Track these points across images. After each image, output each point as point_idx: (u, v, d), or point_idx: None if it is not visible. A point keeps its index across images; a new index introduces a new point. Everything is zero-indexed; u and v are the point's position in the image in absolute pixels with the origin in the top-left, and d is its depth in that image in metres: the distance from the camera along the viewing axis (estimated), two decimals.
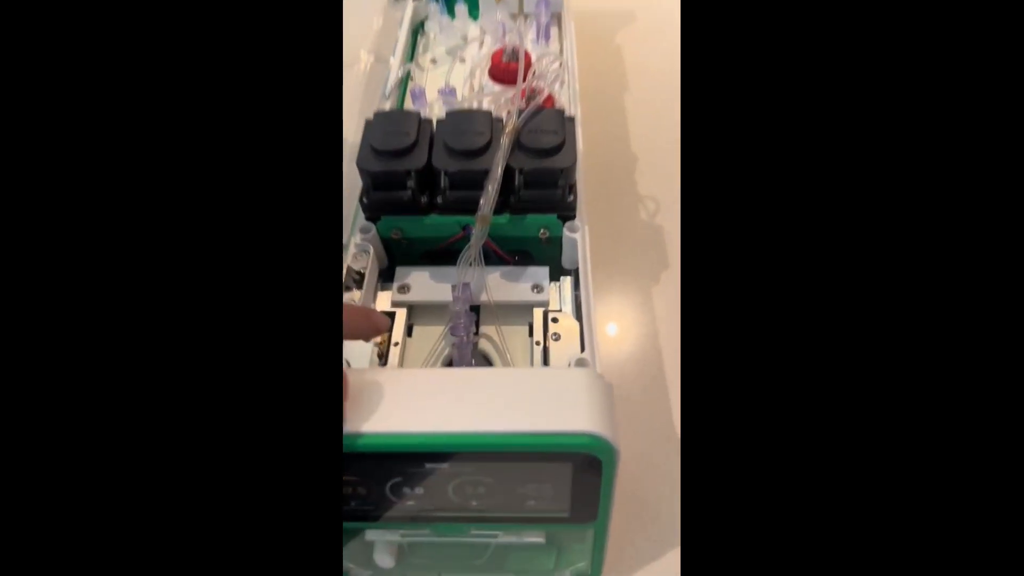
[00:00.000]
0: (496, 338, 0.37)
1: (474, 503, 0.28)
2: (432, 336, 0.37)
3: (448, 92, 0.44)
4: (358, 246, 0.37)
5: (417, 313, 0.38)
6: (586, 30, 0.58)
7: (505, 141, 0.35)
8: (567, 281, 0.38)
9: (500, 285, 0.38)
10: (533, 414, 0.25)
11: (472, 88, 0.46)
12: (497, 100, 0.43)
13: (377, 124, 0.37)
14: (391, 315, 0.37)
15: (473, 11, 0.53)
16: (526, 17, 0.52)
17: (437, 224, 0.37)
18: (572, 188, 0.37)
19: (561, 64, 0.46)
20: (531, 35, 0.50)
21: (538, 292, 0.37)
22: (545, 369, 0.33)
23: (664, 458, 0.40)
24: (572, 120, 0.37)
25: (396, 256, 0.39)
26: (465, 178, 0.35)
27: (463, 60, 0.52)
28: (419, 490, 0.28)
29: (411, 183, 0.36)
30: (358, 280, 0.36)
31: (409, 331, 0.38)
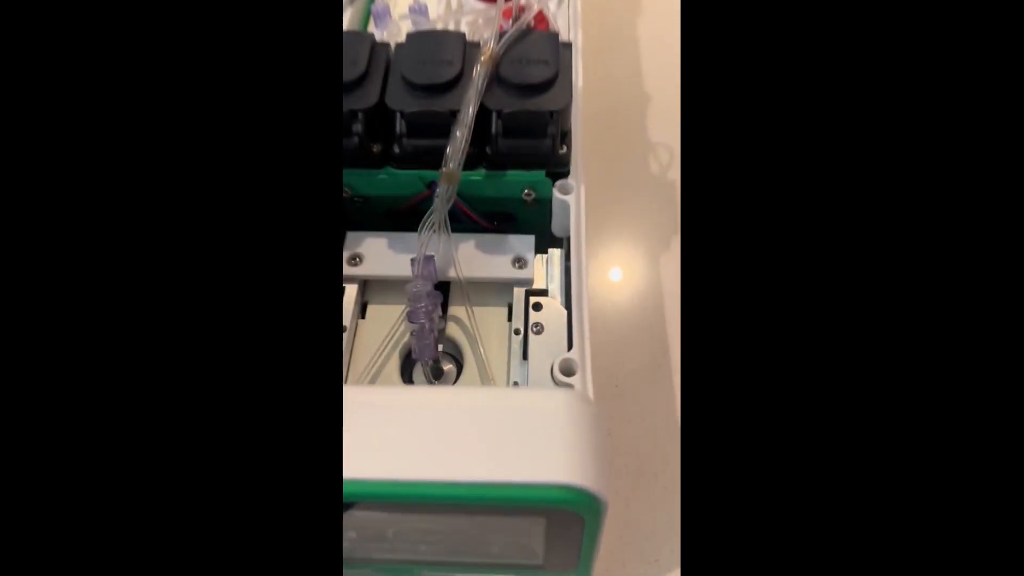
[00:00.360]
0: (467, 322, 0.30)
1: (423, 548, 0.22)
2: (390, 317, 0.30)
3: (419, 11, 0.36)
4: None
5: (373, 289, 0.31)
6: None
7: (480, 72, 0.27)
8: (556, 254, 0.31)
9: (473, 257, 0.30)
10: (497, 457, 0.18)
11: (450, 6, 0.38)
12: (477, 24, 0.35)
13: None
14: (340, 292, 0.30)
15: None
16: None
17: (395, 180, 0.30)
18: (566, 137, 0.29)
19: None
20: None
21: (520, 267, 0.30)
22: (515, 392, 0.25)
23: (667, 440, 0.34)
24: (569, 47, 0.29)
25: (348, 218, 0.32)
26: (427, 122, 0.27)
27: None
28: (352, 534, 0.21)
29: (358, 127, 0.28)
30: None
31: (363, 311, 0.31)
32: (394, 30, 0.37)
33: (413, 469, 0.18)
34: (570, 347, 0.26)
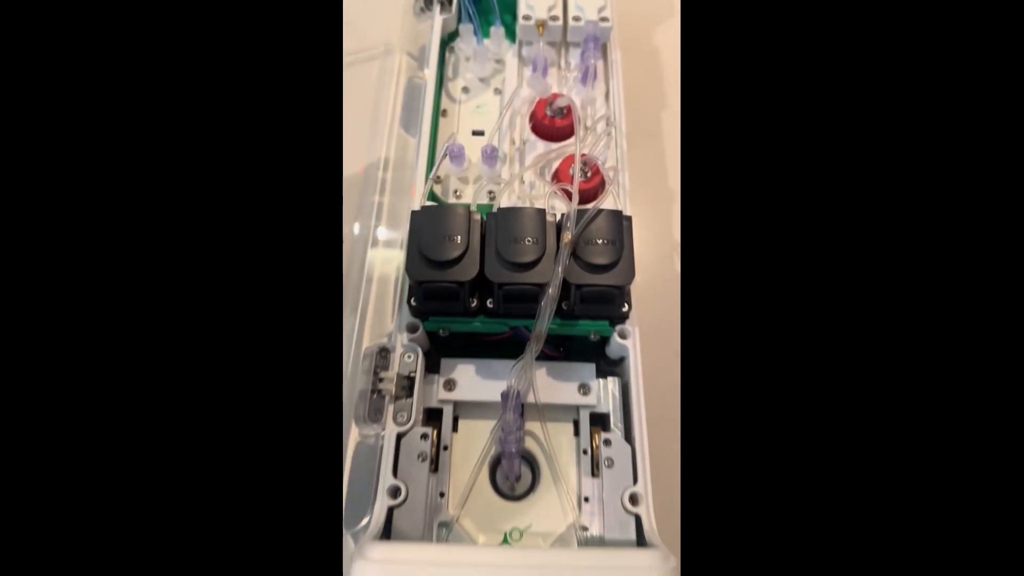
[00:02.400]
0: (541, 436, 0.37)
1: None
2: (478, 431, 0.37)
3: (490, 154, 0.42)
4: (406, 347, 0.36)
5: (462, 406, 0.38)
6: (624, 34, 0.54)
7: (563, 253, 0.34)
8: (612, 383, 0.38)
9: (546, 383, 0.37)
10: None
11: (513, 142, 0.44)
12: (540, 162, 0.41)
13: (423, 222, 0.35)
14: (438, 412, 0.37)
15: (509, 34, 0.49)
16: (568, 47, 0.48)
17: (485, 324, 0.37)
18: (627, 297, 0.36)
19: (609, 122, 0.43)
20: (574, 72, 0.47)
21: (584, 393, 0.37)
22: (606, 553, 0.31)
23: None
24: (630, 221, 0.36)
25: (442, 346, 0.39)
26: (520, 292, 0.34)
27: (499, 91, 0.48)
28: None
29: (463, 294, 0.34)
30: (407, 387, 0.35)
31: (454, 424, 0.38)
32: (464, 165, 0.43)
33: None
34: (635, 480, 0.33)
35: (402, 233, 0.45)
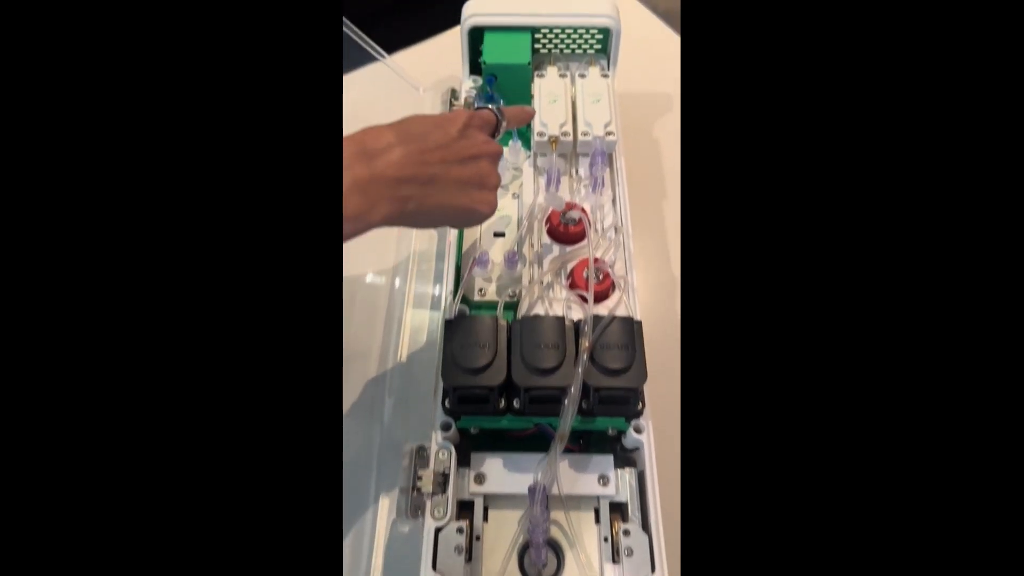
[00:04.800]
0: (565, 524, 0.40)
1: None
2: (507, 521, 0.40)
3: (511, 259, 0.46)
4: (440, 445, 0.39)
5: (491, 498, 0.41)
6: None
7: (582, 359, 0.38)
8: (629, 474, 0.41)
9: (568, 475, 0.41)
10: None
11: (532, 246, 0.48)
12: (556, 260, 0.46)
13: (455, 331, 0.39)
14: (470, 504, 0.40)
15: (526, 144, 0.54)
16: (577, 157, 0.53)
17: (512, 422, 0.40)
18: (641, 396, 0.40)
19: (617, 230, 0.48)
20: (584, 181, 0.51)
21: (604, 484, 0.40)
22: None
23: None
24: (640, 326, 0.40)
25: (471, 441, 0.42)
26: (544, 395, 0.38)
27: (516, 196, 0.53)
28: None
29: (493, 397, 0.38)
30: (442, 483, 0.38)
31: (484, 514, 0.41)
32: (487, 269, 0.47)
33: None
34: (653, 568, 0.36)
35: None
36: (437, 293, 0.56)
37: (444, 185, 0.34)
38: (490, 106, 0.42)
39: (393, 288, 0.58)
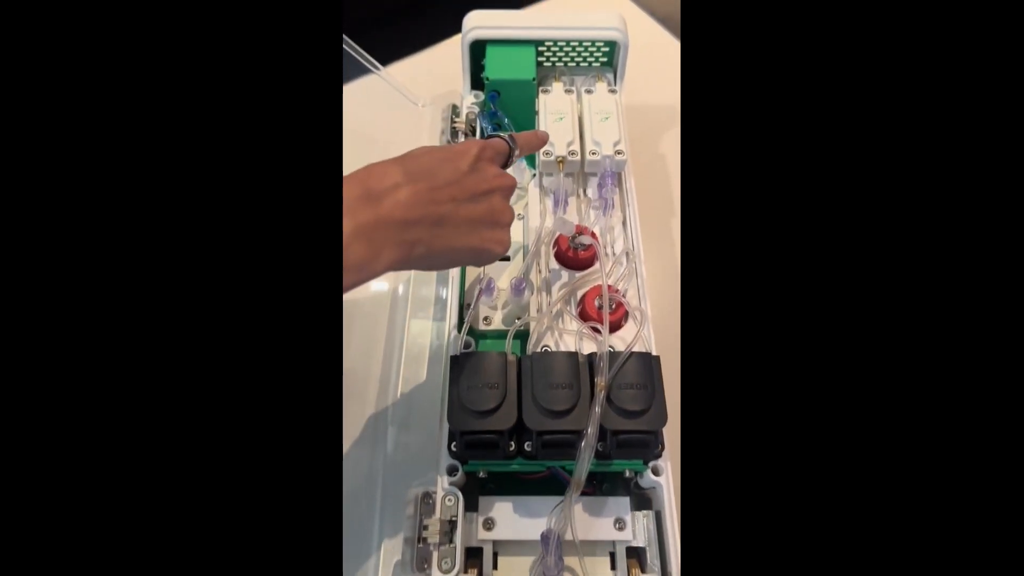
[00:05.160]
0: (579, 571, 0.38)
1: None
2: (517, 569, 0.38)
3: (518, 287, 0.44)
4: (447, 490, 0.37)
5: (501, 544, 0.39)
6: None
7: (598, 398, 0.35)
8: (646, 517, 0.39)
9: (582, 518, 0.38)
10: None
11: (539, 272, 0.46)
12: (566, 288, 0.43)
13: (461, 369, 0.37)
14: (478, 551, 0.38)
15: (530, 162, 0.52)
16: (585, 176, 0.51)
17: (524, 465, 0.38)
18: (661, 439, 0.37)
19: (629, 257, 0.45)
20: (593, 203, 0.49)
21: (620, 528, 0.38)
22: None
23: None
24: (658, 361, 0.38)
25: (481, 485, 0.40)
26: (557, 440, 0.36)
27: (521, 216, 0.51)
28: None
29: (503, 442, 0.36)
30: (449, 532, 0.36)
31: (494, 561, 0.39)
32: (493, 296, 0.45)
33: None
34: None
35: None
36: (443, 296, 0.53)
37: (454, 225, 0.32)
38: (501, 134, 0.40)
39: (396, 295, 0.56)
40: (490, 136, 0.39)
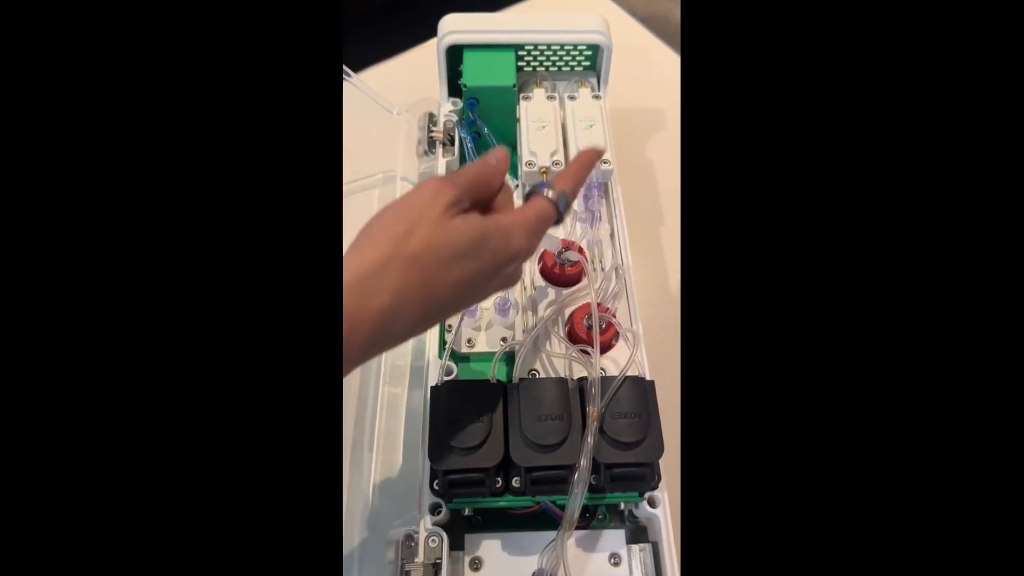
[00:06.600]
0: None
1: None
2: None
3: (502, 307, 0.41)
4: (430, 531, 0.34)
5: None
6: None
7: (590, 429, 0.33)
8: (643, 551, 0.36)
9: (575, 554, 0.36)
10: None
11: (524, 290, 0.44)
12: (553, 307, 0.41)
13: (442, 401, 0.34)
14: None
15: (513, 173, 0.50)
16: None
17: (512, 501, 0.35)
18: (657, 470, 0.35)
19: (619, 273, 0.43)
20: (579, 211, 0.47)
21: (615, 563, 0.36)
22: None
23: None
24: (653, 386, 0.35)
25: (468, 524, 0.37)
26: (548, 476, 0.33)
27: None
28: None
29: (489, 479, 0.33)
30: (433, 575, 0.34)
31: None
32: (475, 317, 0.42)
33: None
34: None
35: None
36: None
37: (465, 304, 0.30)
38: (549, 194, 0.31)
39: None
40: (529, 195, 0.32)
